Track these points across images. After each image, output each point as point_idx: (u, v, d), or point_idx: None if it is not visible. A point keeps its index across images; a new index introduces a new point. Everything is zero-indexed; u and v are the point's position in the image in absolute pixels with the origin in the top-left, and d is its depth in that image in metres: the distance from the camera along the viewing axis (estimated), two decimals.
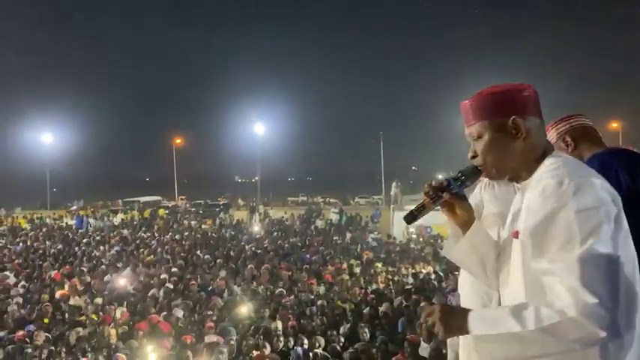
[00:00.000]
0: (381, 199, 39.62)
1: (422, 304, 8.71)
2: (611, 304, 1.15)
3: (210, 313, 9.20)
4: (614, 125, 38.60)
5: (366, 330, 7.66)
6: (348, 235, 20.66)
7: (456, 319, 1.34)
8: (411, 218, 1.59)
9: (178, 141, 52.36)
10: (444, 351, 6.11)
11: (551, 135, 2.06)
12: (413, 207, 1.60)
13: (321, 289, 11.07)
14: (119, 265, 14.62)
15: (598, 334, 1.14)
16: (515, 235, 1.43)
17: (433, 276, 12.22)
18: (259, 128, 37.90)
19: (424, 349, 6.39)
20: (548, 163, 1.43)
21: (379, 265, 13.74)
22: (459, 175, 1.58)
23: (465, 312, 1.35)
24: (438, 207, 1.62)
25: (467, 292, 2.15)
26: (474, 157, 1.53)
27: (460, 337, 2.05)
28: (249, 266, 13.19)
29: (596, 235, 1.22)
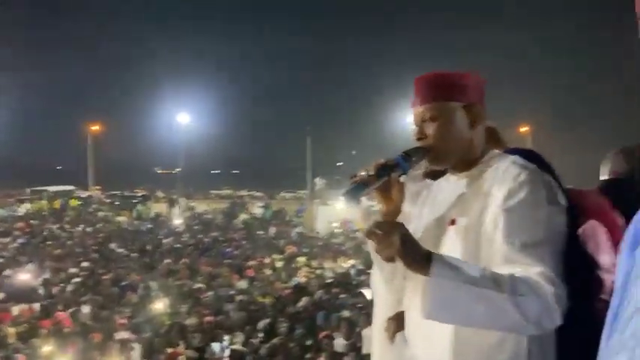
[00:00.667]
0: (306, 193, 39.92)
1: (342, 295, 8.86)
2: (566, 298, 1.18)
3: (122, 309, 8.77)
4: (524, 129, 41.31)
5: (285, 324, 7.65)
6: (272, 230, 20.59)
7: (417, 245, 1.20)
8: (350, 196, 1.37)
9: (95, 128, 49.56)
10: (358, 345, 6.22)
11: None
12: (351, 184, 1.40)
13: (242, 284, 10.93)
14: (22, 258, 13.58)
15: (555, 320, 1.16)
16: (452, 223, 1.39)
17: (353, 270, 12.46)
18: (183, 118, 36.75)
19: (340, 345, 6.48)
20: (502, 156, 1.42)
21: (302, 259, 13.81)
22: (407, 156, 1.42)
23: (424, 247, 1.21)
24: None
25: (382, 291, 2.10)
26: (420, 138, 1.42)
27: (375, 330, 2.04)
28: (166, 261, 12.75)
29: (561, 233, 1.26)
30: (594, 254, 1.77)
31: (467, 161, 1.44)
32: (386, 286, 1.60)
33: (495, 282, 1.15)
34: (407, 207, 1.83)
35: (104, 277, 10.89)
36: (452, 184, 1.49)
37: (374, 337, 2.15)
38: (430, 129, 1.40)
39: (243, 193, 43.66)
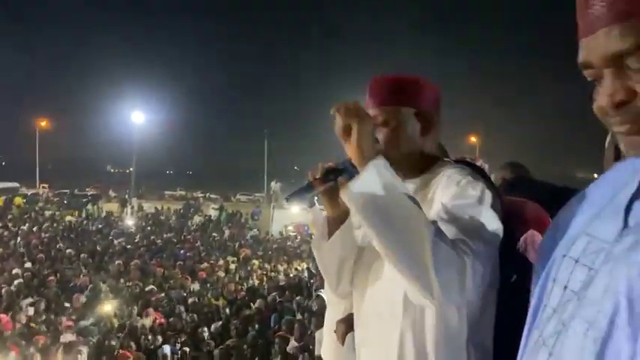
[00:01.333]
0: (262, 196, 39.65)
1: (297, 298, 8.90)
2: (477, 275, 1.09)
3: (69, 311, 8.50)
4: (473, 139, 42.56)
5: (239, 327, 7.63)
6: (227, 232, 20.39)
7: (371, 139, 1.17)
8: (294, 198, 1.35)
9: (43, 124, 47.56)
10: (310, 347, 6.29)
11: None
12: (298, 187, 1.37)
13: (195, 286, 10.79)
14: None
15: (465, 295, 1.08)
16: None
17: (306, 273, 12.51)
18: (137, 117, 35.80)
19: (293, 347, 6.53)
20: (449, 165, 1.39)
21: (256, 262, 13.76)
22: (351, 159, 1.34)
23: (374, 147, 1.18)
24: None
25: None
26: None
27: (326, 332, 2.08)
28: (117, 262, 12.41)
29: (497, 236, 1.20)
30: (534, 262, 1.89)
31: (417, 168, 1.40)
32: (333, 292, 1.58)
33: (425, 220, 1.09)
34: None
35: (50, 278, 10.48)
36: None
37: (325, 339, 2.21)
38: (381, 134, 1.34)
39: (198, 194, 42.92)
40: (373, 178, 1.11)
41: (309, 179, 1.33)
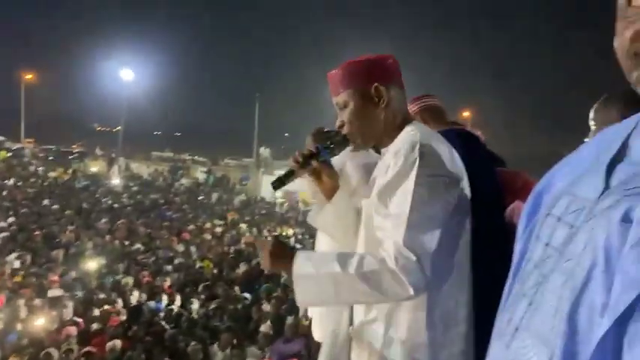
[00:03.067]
0: (251, 162, 39.50)
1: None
2: (426, 266, 1.24)
3: (54, 266, 8.53)
4: (466, 114, 42.57)
5: (225, 288, 7.74)
6: (215, 196, 20.39)
7: (284, 255, 1.41)
8: (279, 184, 1.58)
9: (29, 77, 46.39)
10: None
11: None
12: (282, 172, 1.59)
13: (181, 248, 10.86)
14: None
15: (408, 290, 1.23)
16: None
17: (293, 239, 12.64)
18: (127, 74, 35.11)
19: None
20: (407, 130, 1.49)
21: (244, 226, 13.84)
22: (329, 143, 1.58)
23: (294, 251, 1.42)
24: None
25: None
26: (341, 126, 1.54)
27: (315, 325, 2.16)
28: (103, 220, 12.40)
29: (429, 202, 1.30)
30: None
31: (386, 138, 1.53)
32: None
33: (344, 264, 1.29)
34: (357, 176, 1.93)
35: (35, 233, 10.47)
36: (380, 161, 1.60)
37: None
38: (344, 116, 1.52)
39: (186, 156, 42.57)
40: (299, 286, 1.36)
41: (291, 167, 1.53)
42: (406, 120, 1.55)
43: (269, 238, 1.53)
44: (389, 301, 1.32)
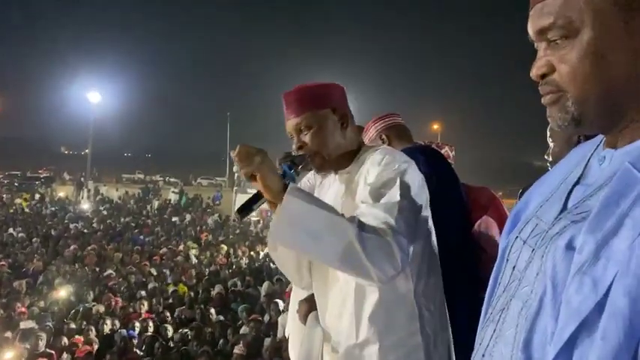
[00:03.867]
0: (224, 180, 39.19)
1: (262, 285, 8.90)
2: (408, 247, 1.26)
3: (21, 296, 8.25)
4: (436, 127, 43.40)
5: (199, 311, 7.61)
6: (187, 217, 20.11)
7: (276, 173, 1.35)
8: (246, 211, 1.44)
9: None
10: (271, 332, 6.36)
11: (371, 132, 2.24)
12: (250, 195, 1.48)
13: (154, 271, 10.64)
14: None
15: (397, 267, 1.23)
16: None
17: (268, 258, 12.51)
18: (94, 96, 34.54)
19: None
20: (371, 150, 1.55)
21: (224, 247, 13.65)
22: (292, 164, 1.51)
23: (284, 181, 1.34)
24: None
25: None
26: (300, 147, 1.54)
27: (290, 313, 2.16)
28: (72, 246, 12.07)
29: (414, 198, 1.36)
30: (486, 247, 1.99)
31: (346, 158, 1.57)
32: (297, 286, 1.77)
33: (339, 216, 1.25)
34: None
35: (1, 263, 10.12)
36: (335, 184, 1.64)
37: (289, 320, 2.28)
38: (307, 137, 1.53)
39: (157, 178, 42.03)
40: (291, 207, 1.26)
41: (256, 190, 1.41)
42: (361, 143, 1.62)
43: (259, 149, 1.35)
44: (367, 271, 1.21)
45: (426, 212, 1.45)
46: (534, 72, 0.67)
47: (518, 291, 0.68)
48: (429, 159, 1.96)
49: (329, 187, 1.68)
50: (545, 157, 1.91)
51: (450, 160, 2.32)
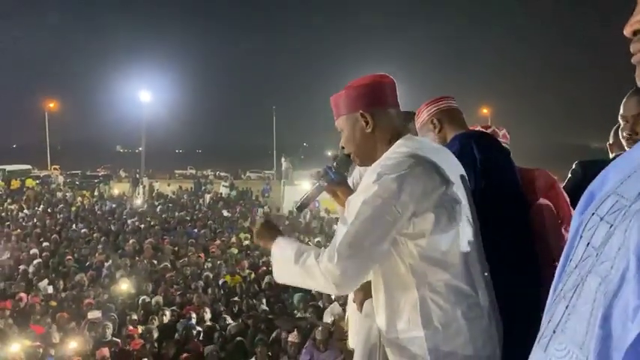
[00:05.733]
0: (272, 173, 39.77)
1: None
2: (344, 271, 1.42)
3: (88, 289, 8.71)
4: (485, 111, 42.31)
5: (253, 301, 7.78)
6: (238, 210, 20.54)
7: (268, 235, 1.71)
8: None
9: (52, 105, 47.75)
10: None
11: (423, 115, 2.17)
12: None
13: (208, 264, 10.95)
14: None
15: (332, 288, 1.47)
16: None
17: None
18: (145, 96, 35.79)
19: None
20: (392, 148, 1.60)
21: None
22: (334, 164, 1.84)
23: (277, 233, 1.70)
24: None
25: None
26: (344, 147, 1.71)
27: (349, 300, 2.22)
28: (130, 241, 12.60)
29: (369, 219, 1.42)
30: (541, 231, 1.94)
31: (376, 155, 1.65)
32: None
33: (297, 255, 1.53)
34: None
35: (67, 257, 10.69)
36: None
37: (348, 306, 2.31)
38: (343, 139, 1.70)
39: (208, 172, 43.19)
40: (274, 263, 1.67)
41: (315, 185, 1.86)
42: (398, 135, 1.63)
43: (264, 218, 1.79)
44: (322, 291, 1.58)
45: (429, 214, 1.43)
46: (629, 29, 0.65)
47: (596, 267, 0.65)
48: (479, 145, 1.92)
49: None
50: (610, 142, 1.84)
51: (506, 144, 2.24)
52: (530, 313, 1.03)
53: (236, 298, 8.11)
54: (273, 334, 6.38)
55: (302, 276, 1.53)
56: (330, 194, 1.89)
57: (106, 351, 5.82)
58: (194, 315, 7.11)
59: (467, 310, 1.47)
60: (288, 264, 1.56)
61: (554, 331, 0.70)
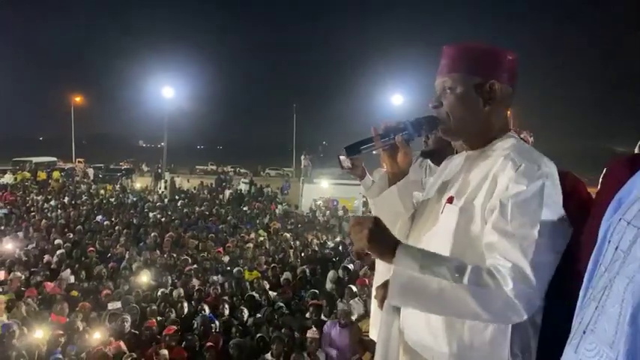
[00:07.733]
0: (291, 171, 39.92)
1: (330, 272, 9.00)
2: (540, 293, 1.19)
3: (108, 280, 8.88)
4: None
5: (270, 297, 7.83)
6: (257, 206, 20.67)
7: (385, 241, 1.30)
8: (353, 150, 1.49)
9: (78, 99, 48.71)
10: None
11: None
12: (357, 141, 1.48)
13: (227, 258, 11.05)
14: (6, 229, 13.54)
15: (522, 316, 1.18)
16: (450, 200, 1.41)
17: (341, 247, 12.60)
18: (168, 92, 36.20)
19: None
20: (511, 141, 1.40)
21: (287, 235, 13.95)
22: (417, 123, 1.46)
23: (396, 240, 1.31)
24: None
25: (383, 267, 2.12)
26: (436, 106, 1.43)
27: (372, 298, 2.14)
28: (152, 234, 12.79)
29: (553, 230, 1.22)
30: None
31: (480, 138, 1.43)
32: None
33: (457, 272, 1.19)
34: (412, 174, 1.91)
35: (90, 249, 10.91)
36: (460, 160, 1.52)
37: (372, 304, 2.29)
38: (446, 99, 1.41)
39: (228, 168, 43.58)
40: (400, 280, 1.26)
41: (372, 134, 1.45)
42: (504, 127, 1.45)
43: (369, 216, 1.35)
44: (492, 322, 1.24)
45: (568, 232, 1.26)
46: None
47: (623, 268, 0.67)
48: None
49: (452, 163, 1.58)
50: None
51: None
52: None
53: (253, 293, 8.17)
54: (287, 331, 6.42)
55: (464, 300, 1.17)
56: (388, 154, 1.51)
57: (122, 344, 5.89)
58: (212, 308, 7.18)
59: (535, 339, 1.32)
60: (436, 284, 1.19)
61: (584, 332, 0.72)
